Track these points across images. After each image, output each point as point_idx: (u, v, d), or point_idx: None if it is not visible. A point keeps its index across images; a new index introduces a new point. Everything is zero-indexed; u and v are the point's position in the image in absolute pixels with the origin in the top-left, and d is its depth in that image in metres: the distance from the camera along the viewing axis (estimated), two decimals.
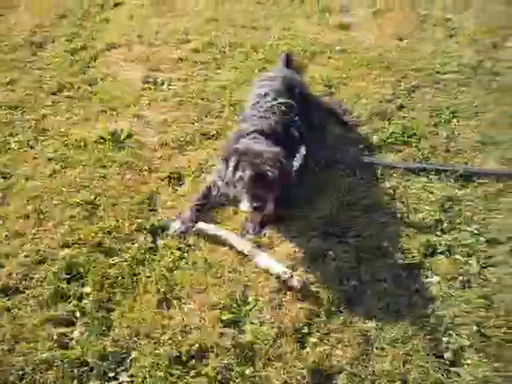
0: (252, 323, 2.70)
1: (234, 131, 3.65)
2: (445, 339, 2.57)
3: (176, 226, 3.33)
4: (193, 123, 4.16)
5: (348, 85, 4.60)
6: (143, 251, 3.08)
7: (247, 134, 3.40)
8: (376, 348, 2.54)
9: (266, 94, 3.74)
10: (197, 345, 2.54)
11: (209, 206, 3.44)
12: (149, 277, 2.91)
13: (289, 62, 4.65)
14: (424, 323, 2.63)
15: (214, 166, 3.63)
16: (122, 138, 3.99)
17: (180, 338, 2.58)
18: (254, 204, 3.12)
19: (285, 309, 2.75)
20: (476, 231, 3.15)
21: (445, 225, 3.22)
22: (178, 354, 2.52)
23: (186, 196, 3.48)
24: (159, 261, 3.02)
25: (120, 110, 4.35)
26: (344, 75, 4.72)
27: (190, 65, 5.06)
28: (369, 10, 5.94)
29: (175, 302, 2.80)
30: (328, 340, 2.59)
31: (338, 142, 3.93)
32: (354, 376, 2.43)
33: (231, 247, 3.17)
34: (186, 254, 3.08)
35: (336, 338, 2.58)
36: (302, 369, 2.46)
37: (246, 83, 4.52)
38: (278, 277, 2.94)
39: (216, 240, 3.20)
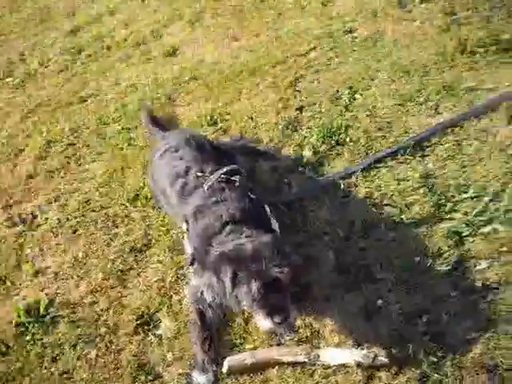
0: None
1: (191, 229, 2.88)
2: None
3: (200, 379, 2.61)
4: None
5: (229, 112, 4.09)
6: None
7: (220, 229, 2.72)
8: None
9: (186, 171, 3.07)
10: None
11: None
12: None
13: (154, 120, 4.01)
14: None
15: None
16: None
17: None
18: (276, 319, 2.42)
19: None
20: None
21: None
22: None
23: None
24: None
25: None
26: (220, 103, 4.20)
27: None
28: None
29: None
30: None
31: (276, 178, 3.49)
32: None
33: (282, 364, 2.57)
34: None
35: None
36: None
37: None
38: (359, 365, 2.51)
39: (257, 367, 2.57)
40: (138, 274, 3.13)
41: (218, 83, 4.41)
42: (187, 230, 2.92)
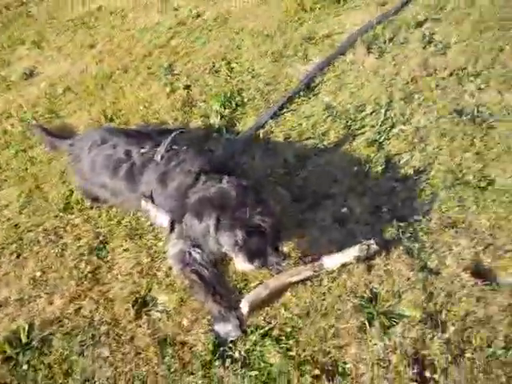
0: None
1: (159, 198, 2.89)
2: None
3: (226, 329, 2.69)
4: None
5: (120, 109, 4.03)
6: None
7: (194, 182, 2.83)
8: None
9: (127, 154, 3.03)
10: None
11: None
12: None
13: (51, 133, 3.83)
14: None
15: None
16: None
17: None
18: (256, 264, 2.62)
19: None
20: None
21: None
22: None
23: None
24: None
25: None
26: (107, 102, 4.10)
27: None
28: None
29: None
30: None
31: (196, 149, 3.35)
32: None
33: (293, 285, 2.79)
34: None
35: None
36: None
37: None
38: (358, 259, 2.82)
39: (273, 295, 2.75)
40: (110, 268, 3.05)
41: (95, 87, 4.37)
42: (152, 202, 2.95)
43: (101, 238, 3.22)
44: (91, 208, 3.39)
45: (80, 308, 2.90)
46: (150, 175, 2.99)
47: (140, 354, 2.68)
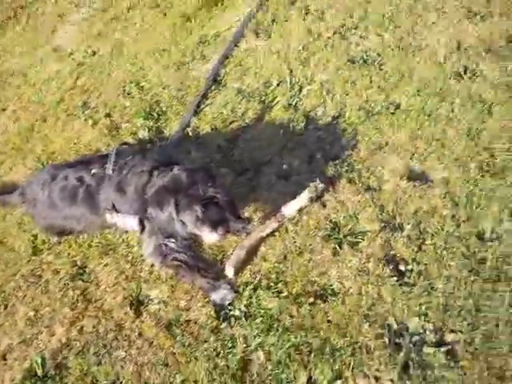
0: None
1: (121, 205, 3.09)
2: None
3: (221, 295, 2.93)
4: None
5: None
6: None
7: (149, 178, 3.01)
8: None
9: (80, 179, 3.21)
10: None
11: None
12: None
13: None
14: None
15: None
16: None
17: None
18: (220, 231, 2.85)
19: None
20: None
21: None
22: None
23: None
24: None
25: None
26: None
27: None
28: None
29: None
30: None
31: None
32: None
33: (265, 239, 3.09)
34: None
35: None
36: None
37: None
38: (311, 199, 3.18)
39: (251, 253, 3.03)
40: (97, 285, 3.19)
41: (21, 142, 4.36)
42: (116, 211, 3.15)
43: (78, 264, 3.35)
44: (59, 243, 3.50)
45: (82, 328, 3.02)
46: (107, 189, 3.20)
47: (153, 343, 2.86)
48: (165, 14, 5.29)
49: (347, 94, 3.87)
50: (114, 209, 3.19)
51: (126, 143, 3.52)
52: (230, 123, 3.96)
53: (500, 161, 3.27)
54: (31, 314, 3.19)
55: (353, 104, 3.79)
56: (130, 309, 3.03)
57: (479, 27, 4.19)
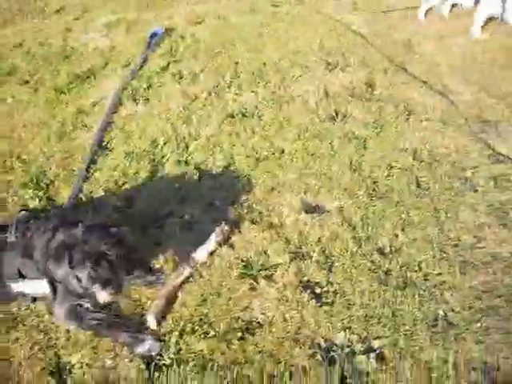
0: None
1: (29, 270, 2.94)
2: None
3: (147, 347, 2.83)
4: None
5: None
6: None
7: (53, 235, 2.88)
8: None
9: None
10: None
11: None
12: None
13: None
14: None
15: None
16: None
17: None
18: (110, 290, 2.75)
19: None
20: None
21: None
22: None
23: None
24: None
25: None
26: None
27: None
28: None
29: None
30: None
31: None
32: None
33: (181, 286, 3.10)
34: None
35: None
36: None
37: None
38: (219, 244, 3.28)
39: (170, 302, 3.02)
40: (10, 362, 2.88)
41: None
42: (23, 277, 2.98)
43: None
44: None
45: None
46: (11, 256, 3.02)
47: None
48: (36, 90, 5.26)
49: (234, 145, 4.13)
50: (21, 275, 3.03)
51: (25, 210, 3.37)
52: (123, 184, 4.00)
53: (383, 186, 3.67)
54: None
55: (240, 153, 4.05)
56: (53, 378, 2.83)
57: (340, 76, 4.77)
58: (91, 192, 3.99)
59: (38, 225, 3.13)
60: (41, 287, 3.02)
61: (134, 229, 3.56)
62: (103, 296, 2.81)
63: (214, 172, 3.95)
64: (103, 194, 3.96)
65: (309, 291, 3.04)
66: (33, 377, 2.89)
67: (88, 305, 3.01)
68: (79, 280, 2.81)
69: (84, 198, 3.94)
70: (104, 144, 4.42)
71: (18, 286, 3.05)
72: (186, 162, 4.06)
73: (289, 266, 3.18)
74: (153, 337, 2.93)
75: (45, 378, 2.88)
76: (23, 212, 3.33)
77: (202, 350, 2.85)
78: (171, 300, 3.11)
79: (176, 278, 3.17)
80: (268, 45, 5.36)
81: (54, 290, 3.01)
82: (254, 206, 3.61)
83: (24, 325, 3.13)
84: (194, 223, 3.58)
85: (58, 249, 2.89)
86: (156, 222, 3.64)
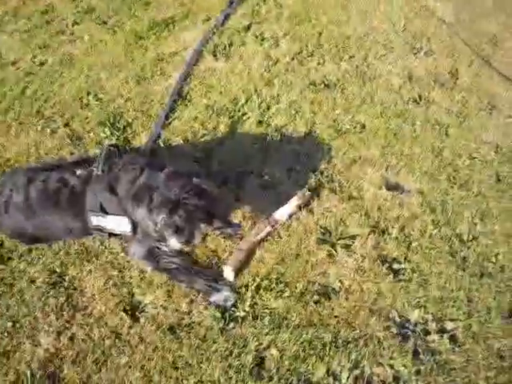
0: None
1: (110, 204, 3.01)
2: None
3: (222, 297, 2.96)
4: None
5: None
6: None
7: (140, 174, 3.00)
8: None
9: (62, 180, 3.11)
10: None
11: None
12: None
13: None
14: None
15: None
16: None
17: None
18: (182, 240, 2.84)
19: None
20: None
21: None
22: None
23: None
24: None
25: None
26: None
27: None
28: None
29: None
30: None
31: None
32: None
33: (261, 242, 3.20)
34: None
35: None
36: None
37: None
38: (300, 206, 3.38)
39: (248, 256, 3.13)
40: (82, 292, 3.04)
41: None
42: (104, 212, 3.07)
43: (56, 271, 3.20)
44: (30, 251, 3.31)
45: (73, 336, 2.89)
46: (95, 189, 3.11)
47: (157, 347, 2.82)
48: (115, 32, 5.29)
49: (315, 114, 4.16)
50: (102, 210, 3.13)
51: (114, 145, 3.43)
52: (202, 136, 4.06)
53: (463, 175, 3.71)
54: (9, 324, 2.99)
55: (322, 123, 4.08)
56: (126, 314, 2.97)
57: (424, 61, 4.76)
58: (169, 140, 4.08)
59: (124, 161, 3.24)
60: (121, 224, 3.12)
61: (214, 182, 3.72)
62: (174, 243, 2.92)
63: (294, 137, 4.02)
64: (182, 143, 4.04)
65: (386, 265, 3.14)
66: (105, 310, 3.03)
67: (166, 248, 3.15)
68: (155, 223, 2.92)
69: (162, 145, 4.03)
70: (184, 94, 4.49)
71: (97, 220, 3.13)
72: (267, 123, 4.12)
73: (367, 238, 3.28)
74: (229, 287, 3.06)
75: (118, 312, 3.01)
76: (111, 146, 3.43)
77: (277, 308, 2.99)
78: (249, 255, 3.22)
79: (257, 233, 3.27)
80: (352, 19, 5.33)
81: (135, 228, 3.13)
82: (334, 176, 3.67)
83: (98, 259, 3.27)
84: (275, 184, 3.65)
85: (140, 189, 2.99)
86: (236, 178, 3.72)
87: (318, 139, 3.98)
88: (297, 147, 3.92)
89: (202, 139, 4.04)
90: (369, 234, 3.28)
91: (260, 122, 4.11)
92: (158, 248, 3.16)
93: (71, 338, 2.89)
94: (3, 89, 4.65)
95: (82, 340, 2.89)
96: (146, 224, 2.97)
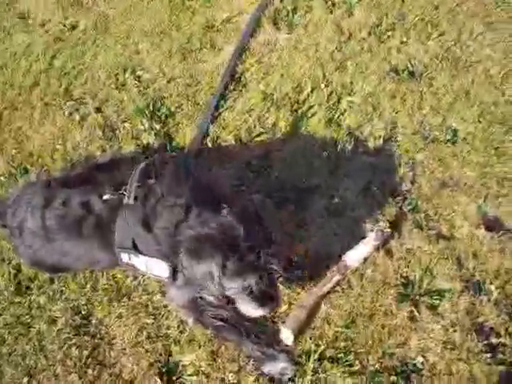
0: None
1: (145, 245, 2.46)
2: None
3: (278, 367, 2.46)
4: None
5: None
6: None
7: (186, 214, 2.38)
8: None
9: (85, 205, 2.55)
10: None
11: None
12: None
13: None
14: None
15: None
16: None
17: None
18: (267, 309, 2.36)
19: None
20: None
21: None
22: None
23: None
24: None
25: None
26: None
27: None
28: None
29: None
30: None
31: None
32: None
33: (326, 296, 2.65)
34: None
35: None
36: None
37: None
38: (378, 248, 2.77)
39: (311, 315, 2.59)
40: (110, 343, 2.61)
41: None
42: (137, 251, 2.53)
43: (82, 312, 2.77)
44: (51, 280, 2.89)
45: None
46: (126, 222, 2.60)
47: None
48: None
49: (396, 113, 3.42)
50: (135, 248, 2.58)
51: (149, 164, 2.80)
52: (258, 135, 3.43)
53: None
54: (24, 381, 2.61)
55: (405, 126, 3.34)
56: (161, 380, 2.51)
57: None
58: (218, 138, 3.47)
59: (163, 189, 2.59)
60: (158, 269, 2.54)
61: (269, 199, 3.12)
62: (257, 313, 2.37)
63: (370, 144, 3.32)
64: (232, 142, 3.44)
65: (483, 338, 2.58)
66: (137, 371, 2.56)
67: (212, 299, 2.53)
68: (224, 289, 2.32)
69: (209, 145, 3.44)
70: (237, 76, 3.77)
71: (128, 258, 2.59)
72: (338, 123, 3.41)
73: (459, 298, 2.66)
74: (286, 356, 2.53)
75: (151, 376, 2.55)
76: (146, 163, 2.81)
77: None
78: (313, 312, 2.67)
79: (324, 283, 2.70)
80: None
81: (174, 276, 2.54)
82: (419, 203, 3.03)
83: (130, 299, 2.78)
84: (345, 209, 3.03)
85: (200, 240, 2.35)
86: (297, 197, 3.11)
87: (400, 149, 3.26)
88: (373, 159, 3.24)
89: (258, 139, 3.42)
90: (461, 292, 2.66)
91: (329, 121, 3.42)
92: (201, 298, 2.61)
93: None
94: (29, 58, 4.06)
95: None
96: (207, 284, 2.36)
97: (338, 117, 3.44)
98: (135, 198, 2.59)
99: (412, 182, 3.10)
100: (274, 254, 2.36)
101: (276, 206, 3.06)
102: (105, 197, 2.67)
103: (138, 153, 3.40)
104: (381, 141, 3.30)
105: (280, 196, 3.10)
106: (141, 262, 2.58)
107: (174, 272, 2.54)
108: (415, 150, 3.24)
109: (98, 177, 2.93)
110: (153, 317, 2.71)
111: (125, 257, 2.60)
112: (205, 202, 2.54)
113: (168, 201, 2.52)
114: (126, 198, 2.61)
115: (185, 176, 3.03)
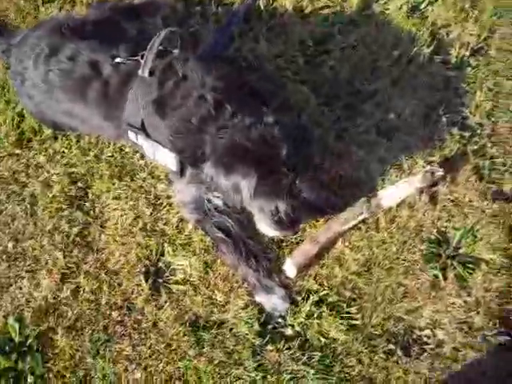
0: None
1: (157, 131, 2.14)
2: None
3: (272, 301, 2.23)
4: None
5: None
6: None
7: (213, 114, 1.98)
8: None
9: (94, 67, 2.18)
10: None
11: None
12: None
13: None
14: None
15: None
16: None
17: None
18: (290, 232, 2.16)
19: None
20: None
21: None
22: None
23: None
24: None
25: None
26: None
27: None
28: None
29: None
30: None
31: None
32: None
33: (345, 234, 2.31)
34: None
35: None
36: None
37: None
38: (421, 191, 2.33)
39: (324, 251, 2.28)
40: (102, 226, 2.39)
41: None
42: (147, 135, 2.19)
43: (79, 182, 2.49)
44: (55, 138, 2.59)
45: (77, 289, 2.32)
46: (137, 99, 2.19)
47: (171, 345, 2.21)
48: None
49: (499, 17, 2.67)
50: (144, 129, 2.22)
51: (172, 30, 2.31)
52: (322, 8, 2.80)
53: None
54: (10, 245, 2.44)
55: (504, 37, 2.64)
56: (145, 281, 2.30)
57: None
58: (274, 2, 2.81)
59: (187, 68, 2.15)
60: (165, 159, 2.22)
61: (313, 94, 2.58)
62: (276, 234, 2.18)
63: (455, 53, 2.60)
64: (291, 13, 2.78)
65: (506, 331, 2.16)
66: (123, 264, 2.34)
67: (220, 203, 2.28)
68: (249, 206, 2.06)
69: (262, 8, 2.79)
70: None
71: (135, 138, 2.25)
72: (422, 16, 2.70)
73: (496, 275, 2.23)
74: (283, 291, 2.25)
75: (137, 274, 2.31)
76: (169, 30, 2.33)
77: (335, 341, 2.21)
78: (326, 247, 2.34)
79: (347, 218, 2.30)
80: None
81: (182, 171, 2.24)
82: (488, 145, 2.44)
83: (132, 180, 2.48)
84: (398, 130, 2.52)
85: (236, 151, 1.97)
86: (345, 98, 2.57)
87: (491, 67, 2.60)
88: (454, 75, 2.62)
89: (322, 13, 2.83)
90: (501, 269, 2.24)
91: (412, 10, 2.75)
92: (208, 201, 2.31)
93: (75, 291, 2.32)
94: None
95: (87, 299, 2.31)
96: (229, 197, 2.08)
97: (426, 6, 2.80)
98: (151, 73, 2.21)
99: (488, 116, 2.63)
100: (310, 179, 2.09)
101: (321, 103, 2.60)
102: (117, 59, 2.27)
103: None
104: (468, 51, 2.67)
105: (328, 94, 2.61)
106: (148, 147, 2.26)
107: (183, 169, 2.26)
108: (508, 74, 2.67)
109: (121, 24, 2.53)
110: (152, 207, 2.44)
111: (132, 135, 2.27)
112: (241, 98, 2.15)
113: (192, 88, 2.09)
114: (142, 68, 2.22)
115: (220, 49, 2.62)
